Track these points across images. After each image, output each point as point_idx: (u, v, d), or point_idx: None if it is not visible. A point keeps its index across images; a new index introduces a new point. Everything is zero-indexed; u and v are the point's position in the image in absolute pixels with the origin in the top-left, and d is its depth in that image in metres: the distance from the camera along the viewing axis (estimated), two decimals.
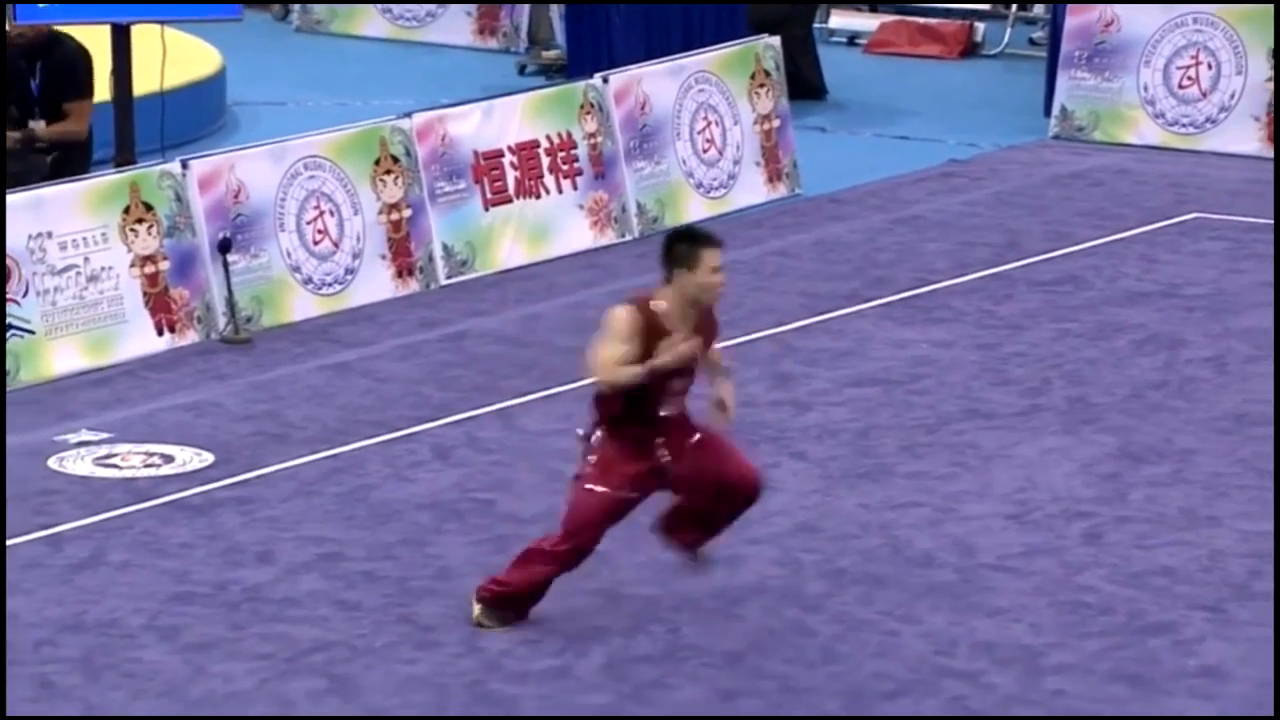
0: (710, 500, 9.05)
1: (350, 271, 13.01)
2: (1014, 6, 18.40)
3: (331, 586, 9.51)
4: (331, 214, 12.97)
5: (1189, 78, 15.57)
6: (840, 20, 18.62)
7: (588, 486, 8.95)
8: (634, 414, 8.87)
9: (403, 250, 13.19)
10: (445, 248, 13.40)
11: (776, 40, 15.14)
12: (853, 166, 15.40)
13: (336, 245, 12.96)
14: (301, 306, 12.76)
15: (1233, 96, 15.47)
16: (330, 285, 12.92)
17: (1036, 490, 10.39)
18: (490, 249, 13.59)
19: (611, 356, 8.74)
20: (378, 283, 13.08)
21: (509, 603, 9.04)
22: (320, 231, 12.91)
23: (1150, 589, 9.44)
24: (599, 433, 8.92)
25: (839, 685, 8.70)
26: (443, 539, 9.96)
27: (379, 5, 18.46)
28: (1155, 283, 13.14)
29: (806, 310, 12.79)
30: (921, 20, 18.35)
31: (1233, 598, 9.36)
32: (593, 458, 8.91)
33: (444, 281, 13.34)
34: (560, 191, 13.90)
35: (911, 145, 15.89)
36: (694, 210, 14.47)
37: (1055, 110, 15.91)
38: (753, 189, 14.80)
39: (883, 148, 15.90)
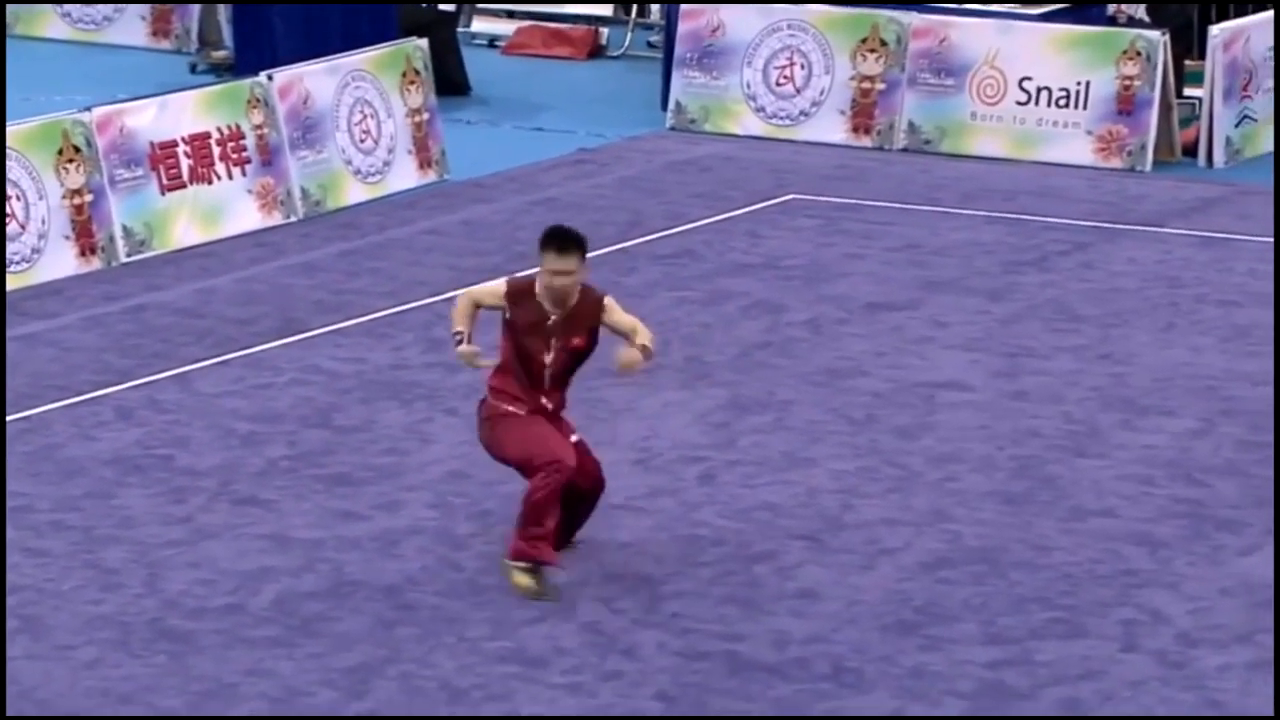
0: (577, 491, 8.88)
1: (37, 251, 12.68)
2: (633, 13, 18.54)
3: (21, 536, 9.27)
4: (18, 199, 12.63)
5: (785, 76, 15.81)
6: (481, 24, 18.59)
7: (505, 410, 8.70)
8: (518, 385, 8.75)
9: (85, 231, 12.90)
10: (125, 229, 13.13)
11: (425, 42, 15.06)
12: (495, 155, 15.38)
13: (23, 227, 12.63)
14: None
15: (822, 93, 15.75)
16: (18, 264, 12.59)
17: (658, 439, 10.48)
18: (167, 230, 13.35)
19: (468, 296, 8.81)
20: (63, 261, 12.77)
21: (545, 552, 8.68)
22: (8, 215, 12.56)
23: (756, 522, 9.58)
24: (487, 398, 8.83)
25: (486, 613, 8.70)
26: (125, 491, 9.77)
27: (58, 8, 18.00)
28: (759, 255, 13.33)
29: (455, 282, 12.73)
30: (553, 25, 18.40)
31: (826, 529, 9.54)
32: (487, 411, 8.77)
33: (124, 260, 13.07)
34: (231, 178, 13.69)
35: (546, 136, 15.92)
36: (353, 194, 14.35)
37: (671, 105, 16.05)
38: (406, 175, 14.72)
39: (521, 138, 15.91)
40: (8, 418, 10.54)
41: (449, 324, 9.13)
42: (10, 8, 18.08)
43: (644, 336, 8.83)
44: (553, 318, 8.79)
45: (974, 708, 8.06)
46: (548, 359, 8.81)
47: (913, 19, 15.54)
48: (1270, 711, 8.06)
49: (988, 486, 9.97)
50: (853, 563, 9.19)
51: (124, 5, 17.86)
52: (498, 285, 8.91)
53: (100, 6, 17.94)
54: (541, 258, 8.76)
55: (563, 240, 8.72)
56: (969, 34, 15.48)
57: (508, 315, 8.83)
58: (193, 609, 8.68)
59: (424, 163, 14.82)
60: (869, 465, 10.18)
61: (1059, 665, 8.37)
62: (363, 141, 14.47)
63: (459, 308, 8.94)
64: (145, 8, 17.86)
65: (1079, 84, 15.19)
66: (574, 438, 8.95)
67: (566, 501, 8.91)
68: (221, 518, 9.49)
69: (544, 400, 8.85)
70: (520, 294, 8.82)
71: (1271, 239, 13.36)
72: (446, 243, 13.57)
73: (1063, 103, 15.25)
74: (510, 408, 8.83)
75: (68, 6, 17.99)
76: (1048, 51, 15.30)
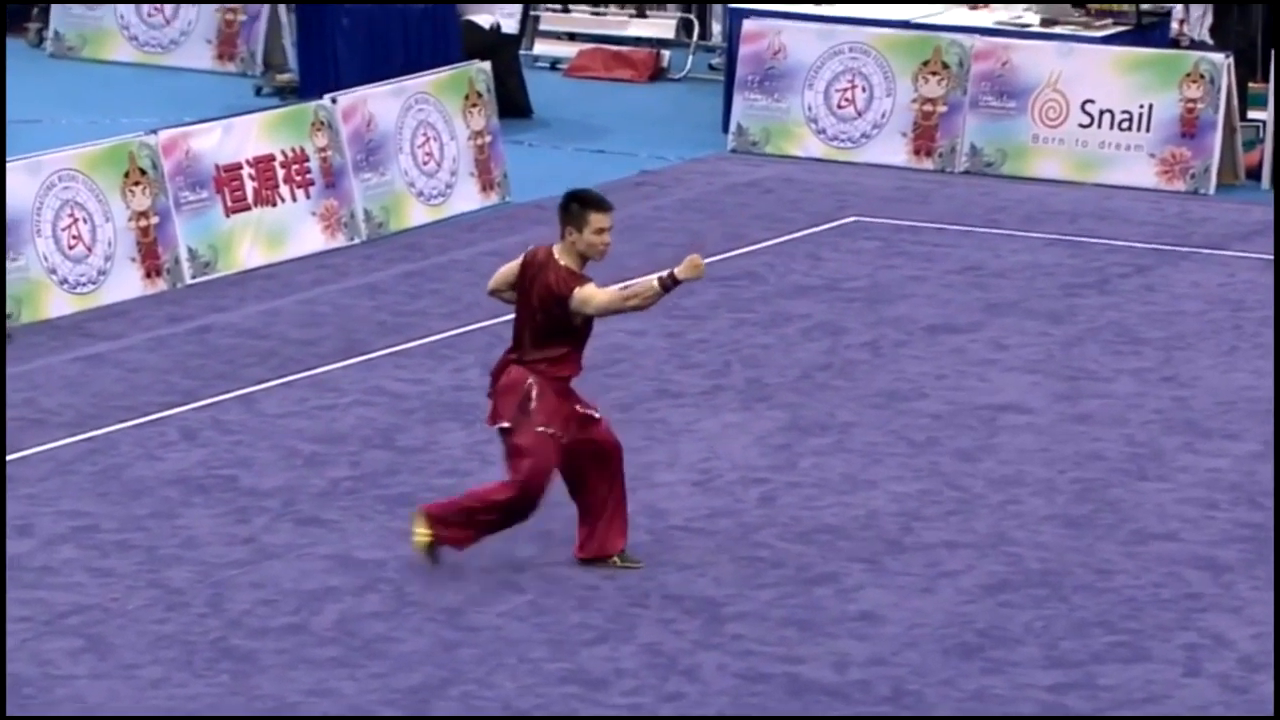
0: (600, 468, 8.98)
1: (103, 273, 12.76)
2: (695, 35, 18.55)
3: (86, 555, 9.32)
4: (85, 221, 12.72)
5: (846, 99, 15.79)
6: (543, 47, 18.64)
7: (540, 429, 8.79)
8: (569, 361, 8.81)
9: (151, 253, 12.97)
10: (190, 251, 13.20)
11: (487, 65, 15.11)
12: (556, 177, 15.37)
13: (90, 249, 12.71)
14: (57, 305, 12.50)
15: (884, 115, 15.72)
16: (84, 285, 12.67)
17: (718, 460, 10.47)
18: (231, 251, 13.41)
19: (607, 294, 8.81)
20: (128, 283, 12.85)
21: (444, 540, 8.88)
22: (75, 237, 12.65)
23: (816, 544, 9.56)
24: (532, 380, 8.83)
25: (546, 634, 8.70)
26: (189, 511, 9.81)
27: (125, 31, 18.12)
28: (820, 277, 13.31)
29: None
30: (615, 48, 18.43)
31: (886, 551, 9.51)
32: (533, 404, 8.78)
33: (189, 281, 13.14)
34: (295, 200, 13.75)
35: (607, 158, 15.94)
36: (416, 216, 14.40)
37: (732, 127, 16.05)
38: (468, 197, 14.76)
39: (582, 160, 15.93)
40: (75, 437, 10.60)
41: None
42: (78, 31, 18.22)
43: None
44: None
45: None
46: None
47: (975, 41, 15.51)
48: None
49: (1049, 510, 9.92)
50: (914, 585, 9.15)
51: (190, 29, 17.97)
52: (513, 265, 8.93)
53: (166, 30, 18.05)
54: (579, 219, 8.80)
55: (602, 199, 8.89)
56: (1031, 57, 15.43)
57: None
58: (256, 629, 8.70)
59: (486, 185, 14.85)
60: (930, 488, 10.14)
61: (1121, 689, 8.32)
62: (425, 164, 14.52)
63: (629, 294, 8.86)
64: (211, 30, 17.97)
65: (1142, 107, 15.13)
66: (585, 410, 8.93)
67: (585, 476, 8.92)
68: (284, 538, 9.52)
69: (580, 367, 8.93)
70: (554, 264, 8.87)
71: None
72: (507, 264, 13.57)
73: (1125, 125, 15.19)
74: (552, 429, 8.80)
75: (135, 30, 18.10)
76: (1110, 74, 15.24)
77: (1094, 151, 15.24)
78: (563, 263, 8.90)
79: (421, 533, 8.96)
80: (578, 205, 8.87)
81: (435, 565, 8.96)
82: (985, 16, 16.21)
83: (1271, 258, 13.53)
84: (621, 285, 9.01)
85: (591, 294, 8.83)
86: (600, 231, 8.84)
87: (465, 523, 8.94)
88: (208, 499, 9.94)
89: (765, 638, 8.68)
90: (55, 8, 18.24)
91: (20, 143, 15.05)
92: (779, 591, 9.09)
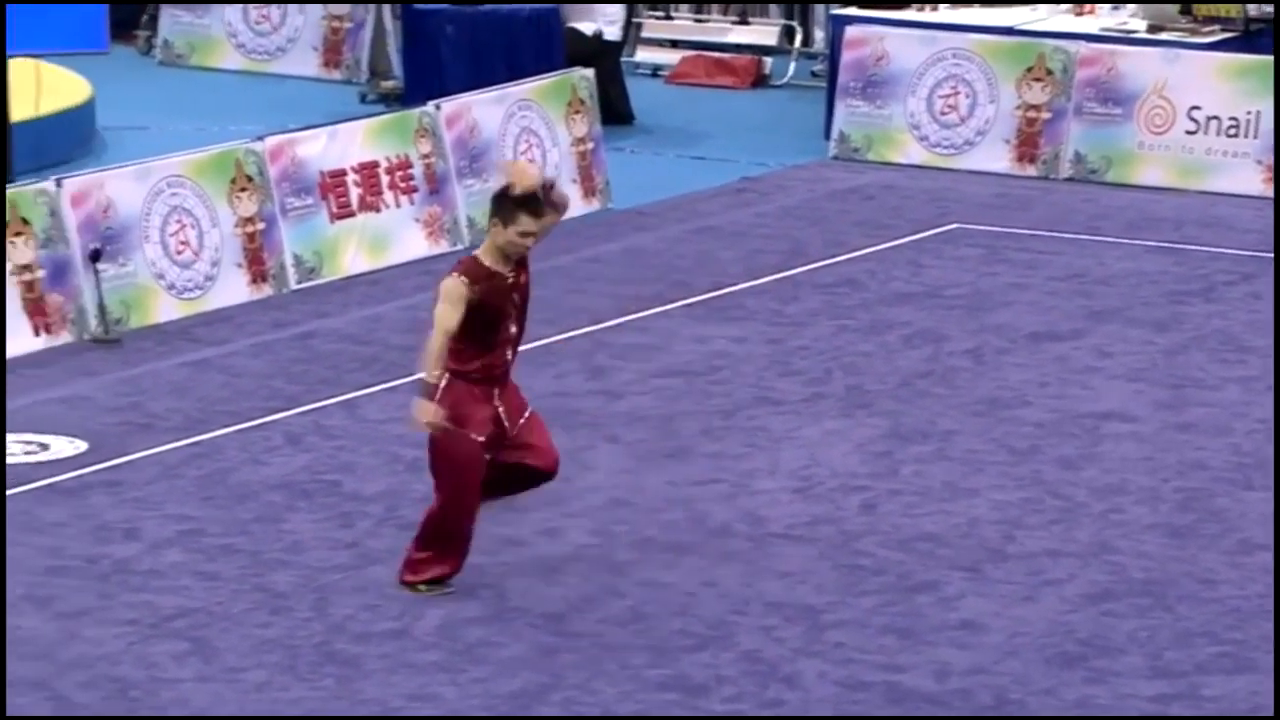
0: (514, 471, 8.95)
1: (209, 278, 12.88)
2: (797, 42, 18.52)
3: (192, 559, 9.40)
4: (192, 227, 12.84)
5: (949, 105, 15.72)
6: (646, 54, 18.66)
7: (464, 414, 8.73)
8: (478, 364, 8.75)
9: (257, 259, 13.07)
10: (295, 256, 13.29)
11: (590, 72, 15.14)
12: (657, 183, 15.43)
13: (197, 255, 12.83)
14: (165, 309, 12.62)
15: (987, 122, 15.64)
16: (191, 291, 12.79)
17: (819, 467, 10.45)
18: (336, 257, 13.49)
19: (447, 319, 8.62)
20: (234, 288, 12.96)
21: (442, 572, 8.92)
22: (182, 243, 12.77)
23: (917, 552, 9.52)
24: (444, 381, 8.79)
25: (646, 641, 8.71)
26: (293, 516, 9.88)
27: (233, 39, 18.28)
28: (921, 284, 13.26)
29: (617, 310, 12.80)
30: (716, 54, 18.43)
31: (988, 559, 9.47)
32: (443, 407, 8.74)
33: (294, 287, 13.24)
34: (398, 206, 13.83)
35: (708, 165, 15.94)
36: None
37: (834, 134, 16.02)
38: (571, 203, 14.76)
39: (683, 167, 15.94)
40: (181, 442, 10.70)
41: (423, 363, 8.75)
42: (187, 38, 18.38)
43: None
44: (509, 276, 8.79)
45: None
46: (512, 314, 8.78)
47: (1080, 48, 15.42)
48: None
49: (1153, 519, 9.85)
50: (1015, 594, 9.10)
51: (297, 36, 18.12)
52: (458, 288, 8.67)
53: (273, 37, 18.20)
54: (508, 219, 8.70)
55: (537, 203, 8.77)
56: (1136, 63, 15.32)
57: (474, 302, 8.69)
58: (359, 633, 8.76)
59: (588, 191, 14.89)
60: (1032, 496, 10.09)
61: (1226, 700, 8.24)
62: None
63: (437, 347, 8.66)
64: (317, 38, 18.10)
65: (1249, 113, 14.99)
66: (526, 413, 8.87)
67: (510, 476, 8.87)
68: (387, 543, 9.57)
69: (509, 355, 8.78)
70: (478, 276, 8.76)
71: None
72: (607, 271, 13.62)
73: (1232, 132, 15.05)
74: (471, 421, 8.66)
75: (242, 37, 18.26)
76: (1216, 80, 15.11)
77: (1199, 158, 15.11)
78: (484, 259, 8.78)
79: (420, 589, 8.94)
80: (512, 203, 8.81)
81: (450, 590, 8.93)
82: (1090, 22, 16.11)
83: None
84: (436, 353, 8.70)
85: (444, 310, 8.67)
86: (525, 235, 8.76)
87: (436, 550, 8.92)
88: (311, 504, 10.01)
89: (866, 645, 8.66)
90: (164, 16, 18.42)
91: (129, 149, 15.23)
92: (880, 599, 9.06)
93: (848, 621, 8.86)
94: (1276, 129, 14.94)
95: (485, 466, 8.87)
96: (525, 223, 8.76)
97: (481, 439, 8.82)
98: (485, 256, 8.83)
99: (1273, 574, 9.23)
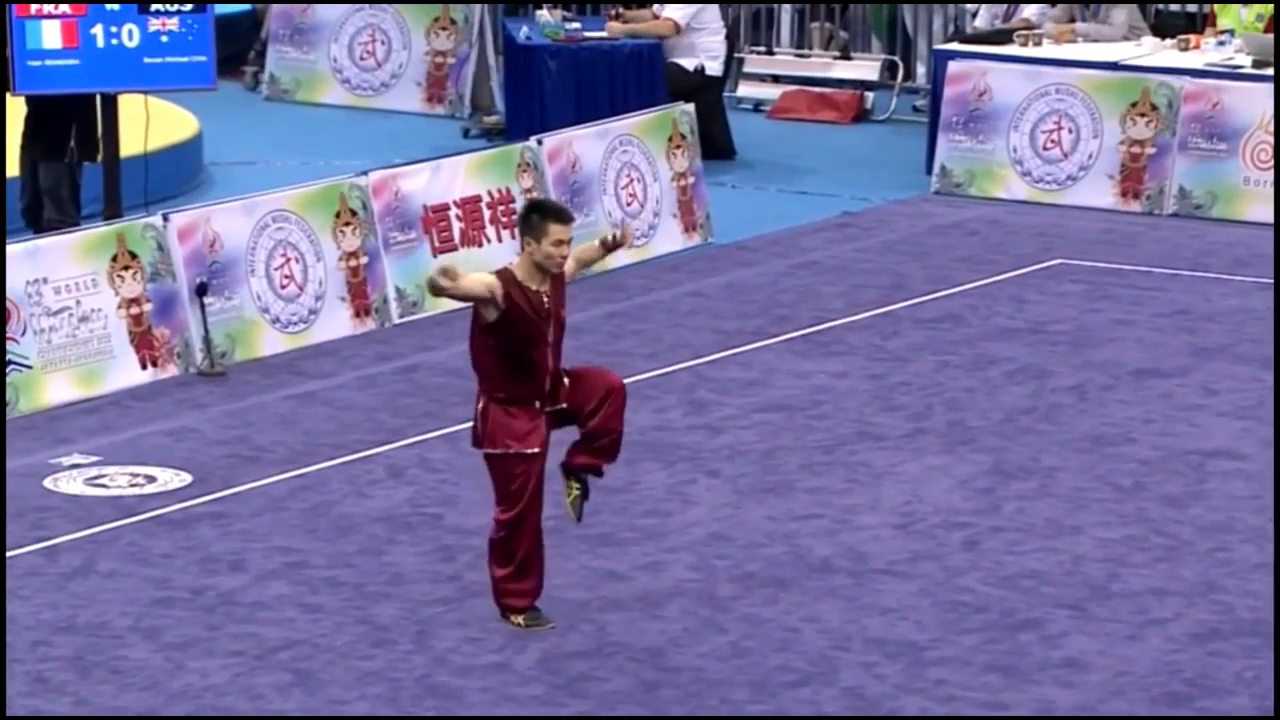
0: (590, 404, 8.83)
1: (314, 312, 12.96)
2: (899, 77, 18.50)
3: (297, 591, 9.45)
4: (297, 261, 12.93)
5: (1052, 140, 15.65)
6: (747, 89, 18.68)
7: (513, 444, 8.77)
8: (516, 391, 8.72)
9: (360, 293, 13.16)
10: (398, 290, 13.36)
11: (691, 107, 15.17)
12: (759, 218, 15.42)
13: (301, 289, 12.92)
14: (270, 343, 12.71)
15: (1090, 157, 15.56)
16: (296, 324, 12.88)
17: (921, 503, 10.40)
18: None
19: (470, 277, 8.57)
20: (338, 322, 13.04)
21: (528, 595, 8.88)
22: (287, 277, 12.86)
23: (1020, 589, 9.46)
24: (481, 404, 8.77)
25: (747, 676, 8.69)
26: (396, 549, 9.92)
27: (338, 75, 18.43)
28: (1024, 320, 13.19)
29: (718, 345, 12.80)
30: (818, 89, 18.42)
31: (1092, 597, 9.39)
32: (487, 427, 8.74)
33: (397, 320, 13.31)
34: (500, 241, 13.88)
35: (810, 199, 15.93)
36: (619, 257, 14.43)
37: (936, 169, 15.97)
38: (671, 238, 14.81)
39: (785, 201, 15.93)
40: (286, 474, 10.77)
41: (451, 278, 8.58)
42: (293, 74, 18.55)
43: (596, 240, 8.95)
44: (539, 291, 8.71)
45: None
46: (547, 341, 8.70)
47: (1184, 83, 15.32)
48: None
49: (1260, 558, 9.74)
50: (1120, 632, 9.03)
51: (401, 72, 18.25)
52: (487, 276, 8.63)
53: (377, 73, 18.34)
54: (538, 230, 8.65)
55: (562, 210, 8.77)
56: (1242, 98, 15.20)
57: (503, 306, 8.62)
58: (461, 666, 8.78)
59: (689, 226, 14.90)
60: (1136, 534, 10.00)
61: None
62: (629, 205, 14.59)
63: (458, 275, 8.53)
64: (421, 73, 18.23)
65: None
66: (563, 381, 8.78)
67: (594, 404, 8.75)
68: (489, 576, 9.58)
69: (546, 386, 8.70)
70: (507, 281, 8.71)
71: None
72: (709, 305, 13.62)
73: None
74: (519, 446, 8.66)
75: (347, 73, 18.41)
76: None
77: None
78: (518, 275, 8.74)
79: (518, 622, 8.92)
80: (537, 216, 8.75)
81: (552, 626, 8.92)
82: (1195, 58, 16.00)
83: None
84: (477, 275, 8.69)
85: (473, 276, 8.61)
86: (559, 244, 8.70)
87: (512, 582, 8.91)
88: (414, 536, 10.04)
89: (969, 683, 8.60)
90: (271, 52, 18.60)
91: (235, 184, 15.37)
92: (982, 636, 9.00)
93: (950, 659, 8.80)
94: (1276, 139, 14.77)
95: (541, 480, 8.81)
96: (556, 231, 8.73)
97: (533, 450, 8.77)
98: (518, 270, 8.83)
99: None
